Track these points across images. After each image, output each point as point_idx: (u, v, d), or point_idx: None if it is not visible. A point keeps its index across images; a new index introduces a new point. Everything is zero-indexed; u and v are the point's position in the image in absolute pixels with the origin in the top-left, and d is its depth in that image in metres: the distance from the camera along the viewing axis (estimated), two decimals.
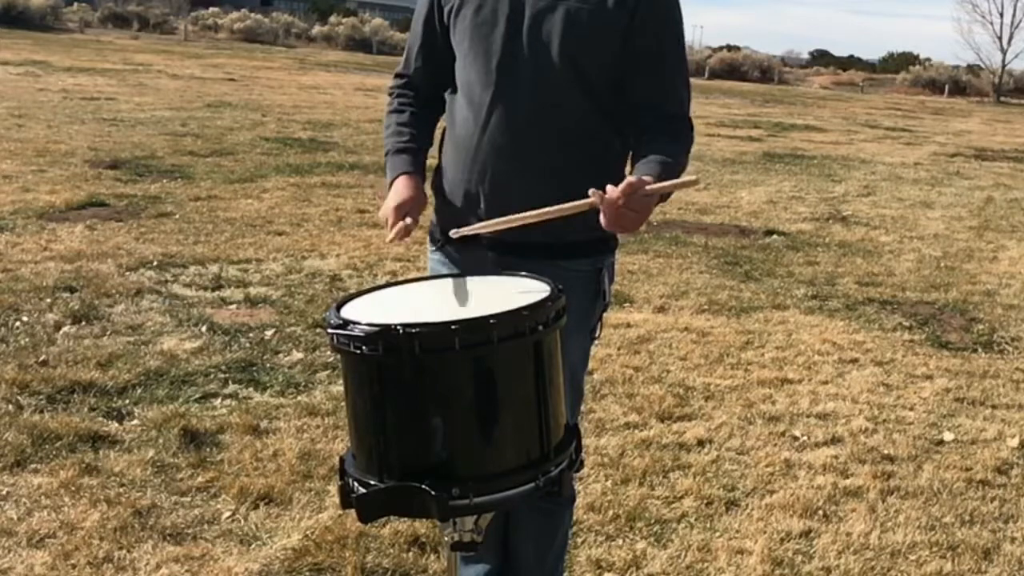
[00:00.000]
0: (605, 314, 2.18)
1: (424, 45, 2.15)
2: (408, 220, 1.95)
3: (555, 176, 2.00)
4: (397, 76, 2.23)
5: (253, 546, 2.78)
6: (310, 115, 14.10)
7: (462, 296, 1.76)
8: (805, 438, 3.80)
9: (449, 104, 2.13)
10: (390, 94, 2.23)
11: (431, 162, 2.15)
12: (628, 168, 2.03)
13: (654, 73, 2.00)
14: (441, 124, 2.19)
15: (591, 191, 1.71)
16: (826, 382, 4.45)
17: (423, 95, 2.18)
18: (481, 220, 2.02)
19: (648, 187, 1.73)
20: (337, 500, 1.61)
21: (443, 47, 2.10)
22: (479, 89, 2.01)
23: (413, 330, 1.46)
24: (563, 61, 1.96)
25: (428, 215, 2.24)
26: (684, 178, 1.81)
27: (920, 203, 10.00)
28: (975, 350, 5.11)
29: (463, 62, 2.05)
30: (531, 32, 1.97)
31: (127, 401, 3.69)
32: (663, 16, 2.00)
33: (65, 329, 4.40)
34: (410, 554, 2.77)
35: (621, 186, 1.71)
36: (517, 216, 1.81)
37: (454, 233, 1.92)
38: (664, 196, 1.84)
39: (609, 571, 2.80)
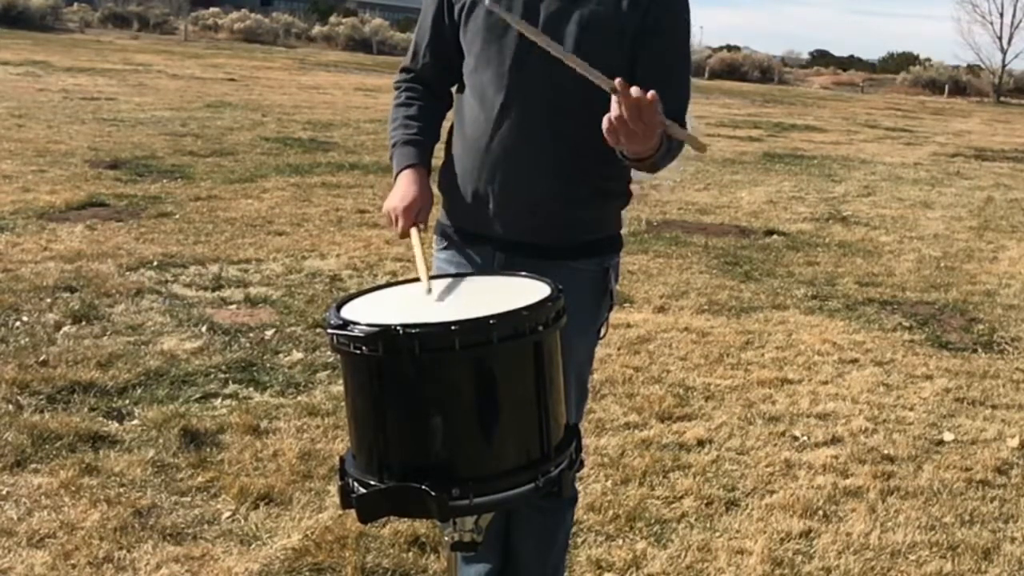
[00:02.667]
0: (610, 315, 2.18)
1: (432, 42, 2.15)
2: (422, 225, 1.97)
3: (565, 177, 2.00)
4: (403, 71, 2.22)
5: (253, 546, 2.78)
6: (310, 115, 14.10)
7: (462, 296, 1.76)
8: (805, 438, 3.80)
9: (458, 103, 2.13)
10: (397, 88, 2.22)
11: (436, 162, 2.15)
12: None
13: (663, 75, 2.00)
14: (447, 122, 2.19)
15: (617, 80, 1.62)
16: (826, 382, 4.45)
17: (430, 90, 2.18)
18: (490, 220, 2.03)
19: (665, 120, 1.66)
20: (337, 500, 1.61)
21: (451, 44, 2.11)
22: (492, 90, 2.01)
23: (413, 330, 1.46)
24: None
25: (433, 215, 2.24)
26: (696, 137, 1.74)
27: (920, 203, 10.00)
28: (975, 350, 5.11)
29: (475, 62, 2.05)
30: (545, 34, 1.97)
31: (127, 401, 3.69)
32: (675, 20, 2.01)
33: (65, 329, 4.40)
34: (410, 554, 2.77)
35: (649, 93, 1.62)
36: (550, 42, 1.67)
37: (489, 4, 1.81)
38: (664, 156, 1.81)
39: (609, 571, 2.80)
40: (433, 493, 1.47)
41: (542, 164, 2.00)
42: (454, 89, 2.17)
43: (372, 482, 1.54)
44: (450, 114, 2.21)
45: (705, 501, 3.22)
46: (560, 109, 1.99)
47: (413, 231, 1.96)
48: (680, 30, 2.03)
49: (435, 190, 2.12)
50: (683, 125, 2.04)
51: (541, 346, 1.56)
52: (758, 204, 9.22)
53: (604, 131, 1.69)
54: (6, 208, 6.65)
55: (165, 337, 4.40)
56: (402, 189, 2.03)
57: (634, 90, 1.62)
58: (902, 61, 48.66)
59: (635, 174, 2.06)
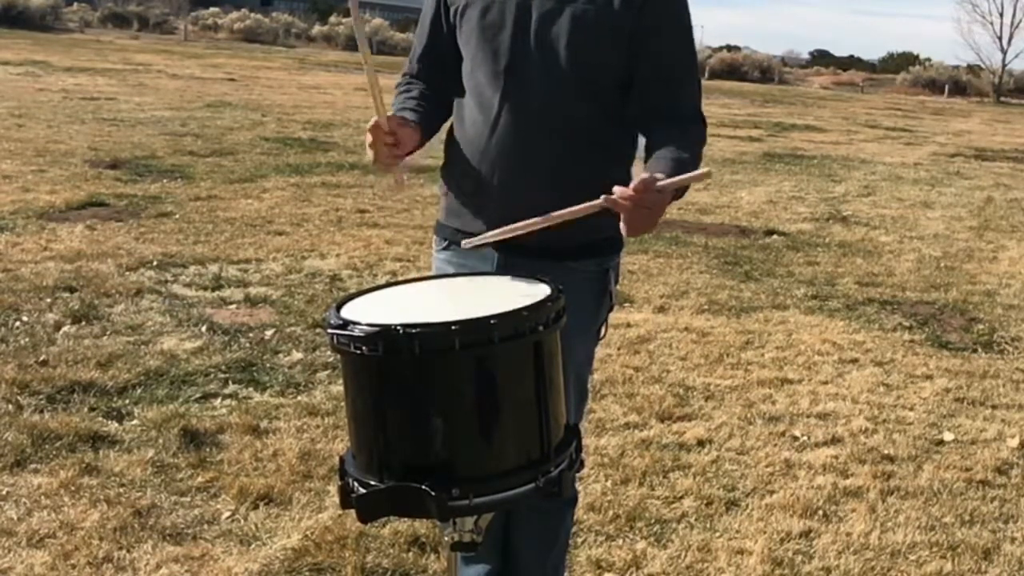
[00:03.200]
0: (610, 315, 2.18)
1: (431, 46, 2.15)
2: (404, 157, 1.93)
3: (564, 176, 2.00)
4: (404, 75, 2.23)
5: (253, 546, 2.78)
6: (310, 115, 14.10)
7: (462, 296, 1.76)
8: (805, 438, 3.80)
9: (457, 105, 2.13)
10: (398, 85, 2.21)
11: (435, 162, 2.15)
12: (638, 168, 2.03)
13: (663, 72, 2.00)
14: (446, 123, 2.19)
15: (603, 197, 1.71)
16: (826, 382, 4.45)
17: (432, 89, 2.18)
18: (491, 220, 2.03)
19: (660, 183, 1.71)
20: (337, 500, 1.61)
21: (449, 47, 2.10)
22: (488, 91, 2.01)
23: (413, 330, 1.46)
24: (571, 62, 1.96)
25: (432, 215, 2.24)
26: (697, 171, 1.78)
27: (920, 203, 10.00)
28: (975, 350, 5.11)
29: (471, 63, 2.05)
30: (538, 33, 1.97)
31: (127, 401, 3.69)
32: (671, 15, 2.00)
33: (65, 329, 4.40)
34: (410, 554, 2.77)
35: (633, 185, 1.69)
36: (527, 222, 1.81)
37: (466, 244, 1.92)
38: (680, 193, 1.82)
39: (609, 571, 2.80)
40: (433, 493, 1.47)
41: (541, 164, 2.00)
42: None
43: (372, 482, 1.54)
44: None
45: (705, 501, 3.22)
46: (558, 108, 1.98)
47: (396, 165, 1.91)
48: (678, 27, 2.02)
49: (436, 190, 2.12)
50: (695, 121, 2.03)
51: (541, 346, 1.56)
52: (758, 204, 9.22)
53: (626, 234, 1.77)
54: (6, 208, 6.64)
55: (165, 337, 4.40)
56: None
57: (620, 192, 1.70)
58: (902, 61, 48.70)
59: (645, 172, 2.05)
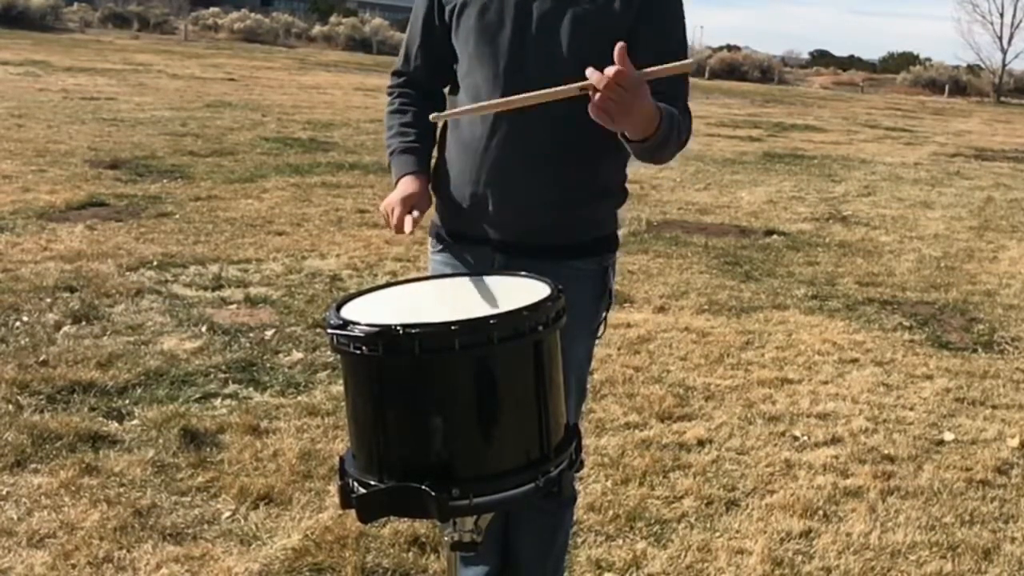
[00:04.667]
0: (608, 313, 2.18)
1: (423, 44, 2.15)
2: (415, 213, 1.95)
3: (563, 177, 2.00)
4: (395, 74, 2.22)
5: (253, 546, 2.78)
6: (310, 115, 14.10)
7: (462, 296, 1.76)
8: (805, 438, 3.80)
9: (451, 104, 2.13)
10: (390, 94, 2.22)
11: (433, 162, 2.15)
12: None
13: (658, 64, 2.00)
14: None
15: (579, 83, 1.64)
16: (826, 382, 4.45)
17: (423, 92, 2.18)
18: (489, 221, 2.03)
19: (644, 71, 1.65)
20: (337, 500, 1.61)
21: (442, 46, 2.10)
22: (486, 92, 2.00)
23: (413, 330, 1.46)
24: (571, 63, 1.95)
25: (429, 214, 2.24)
26: (675, 64, 1.72)
27: (920, 203, 10.00)
28: (975, 350, 5.11)
29: (468, 64, 2.04)
30: (538, 34, 1.96)
31: (127, 401, 3.69)
32: (668, 14, 2.00)
33: (65, 329, 4.40)
34: (410, 554, 2.77)
35: (617, 63, 1.62)
36: (504, 100, 1.78)
37: (433, 117, 1.83)
38: (659, 134, 1.78)
39: (609, 571, 2.80)
40: (433, 493, 1.47)
41: (539, 165, 1.99)
42: (447, 91, 2.17)
43: (372, 482, 1.54)
44: None
45: (705, 501, 3.22)
46: (556, 109, 1.98)
47: (408, 218, 1.94)
48: (673, 20, 2.02)
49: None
50: (685, 113, 2.02)
51: (541, 346, 1.56)
52: (758, 204, 9.22)
53: (595, 118, 1.67)
54: (6, 208, 6.65)
55: (165, 337, 4.40)
56: (400, 189, 2.03)
57: (606, 71, 1.61)
58: (902, 61, 48.66)
59: (641, 167, 2.05)
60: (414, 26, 2.16)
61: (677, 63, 1.71)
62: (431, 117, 1.83)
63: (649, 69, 1.65)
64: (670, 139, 1.84)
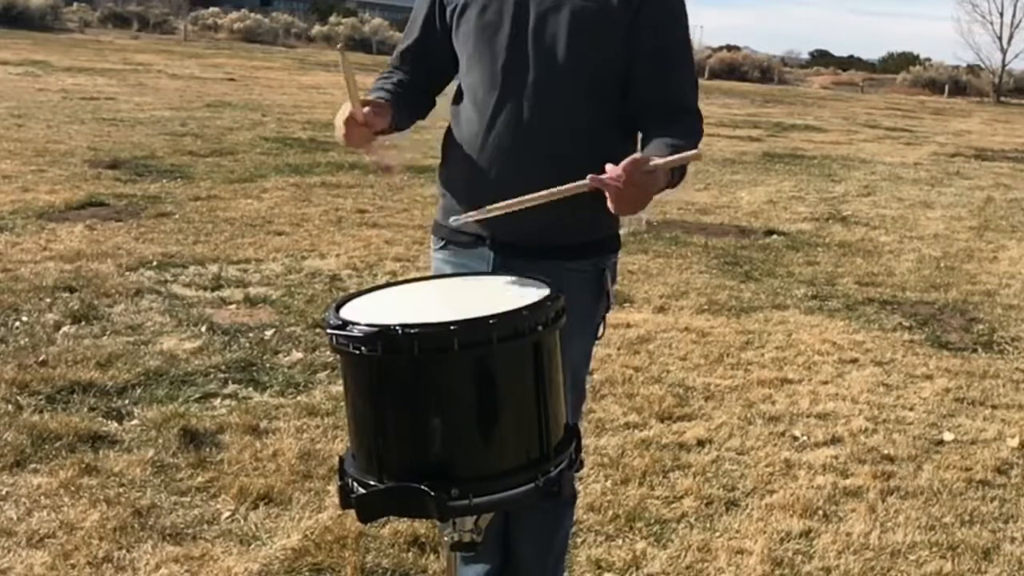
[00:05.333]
0: (607, 314, 2.18)
1: (420, 43, 2.15)
2: (366, 109, 1.92)
3: (561, 176, 1.99)
4: (387, 67, 2.23)
5: (253, 546, 2.78)
6: (310, 115, 14.10)
7: (462, 296, 1.76)
8: (805, 438, 3.80)
9: (453, 115, 2.12)
10: (379, 76, 2.21)
11: (435, 162, 2.14)
12: None
13: (661, 70, 2.00)
14: (444, 123, 2.18)
15: (589, 176, 1.70)
16: (826, 382, 4.45)
17: (413, 83, 2.17)
18: (488, 220, 2.02)
19: (651, 163, 1.71)
20: (337, 500, 1.61)
21: (440, 46, 2.10)
22: (484, 90, 2.00)
23: (412, 330, 1.46)
24: (569, 61, 1.95)
25: (431, 215, 2.24)
26: (686, 153, 1.78)
27: (920, 203, 10.00)
28: (975, 350, 5.11)
29: (468, 64, 2.04)
30: (536, 32, 1.96)
31: (127, 401, 3.69)
32: (667, 12, 2.00)
33: (65, 329, 4.40)
34: (410, 554, 2.77)
35: (623, 163, 1.69)
36: (515, 200, 1.79)
37: (453, 220, 1.90)
38: (676, 178, 1.84)
39: (609, 571, 2.80)
40: (432, 493, 1.47)
41: (537, 164, 1.99)
42: (450, 102, 2.16)
43: (372, 482, 1.54)
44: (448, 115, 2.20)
45: (705, 501, 3.22)
46: (555, 107, 1.98)
47: (341, 55, 1.91)
48: (675, 22, 2.02)
49: (434, 190, 2.12)
50: (693, 117, 2.03)
51: (541, 346, 1.56)
52: (758, 204, 9.21)
53: (614, 211, 1.75)
54: (6, 208, 6.64)
55: (165, 337, 4.40)
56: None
57: (611, 171, 1.69)
58: (902, 61, 48.67)
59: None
60: (412, 25, 2.17)
61: (687, 153, 1.77)
62: (451, 221, 1.91)
63: (658, 161, 1.72)
64: (678, 178, 1.87)
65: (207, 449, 3.33)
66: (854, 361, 4.78)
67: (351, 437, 1.63)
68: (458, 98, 2.11)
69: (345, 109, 1.92)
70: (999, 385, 4.57)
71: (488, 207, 1.83)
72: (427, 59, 2.14)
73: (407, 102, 2.10)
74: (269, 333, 4.55)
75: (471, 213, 1.88)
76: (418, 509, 1.51)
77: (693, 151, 1.78)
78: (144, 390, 3.80)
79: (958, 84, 41.15)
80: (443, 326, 1.48)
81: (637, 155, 1.73)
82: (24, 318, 4.51)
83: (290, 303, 5.04)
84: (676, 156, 1.76)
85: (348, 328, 1.50)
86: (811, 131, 18.03)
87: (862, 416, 4.05)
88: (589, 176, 1.70)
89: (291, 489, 3.10)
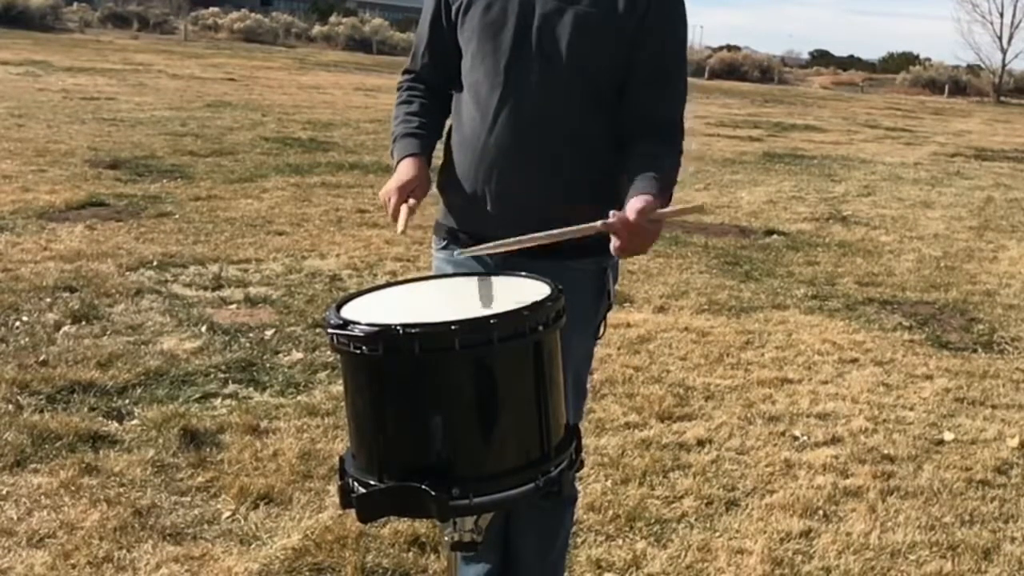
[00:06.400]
0: (608, 314, 2.18)
1: (431, 43, 2.16)
2: (412, 201, 1.95)
3: (560, 176, 2.00)
4: (405, 72, 2.24)
5: (253, 546, 2.78)
6: (310, 115, 14.10)
7: (462, 296, 1.76)
8: (805, 438, 3.80)
9: (455, 103, 2.13)
10: (399, 88, 2.23)
11: (436, 161, 2.15)
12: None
13: (657, 79, 2.01)
14: (448, 122, 2.19)
15: (600, 222, 1.77)
16: (826, 382, 4.45)
17: (431, 89, 2.18)
18: (487, 220, 2.03)
19: (658, 212, 1.79)
20: (337, 500, 1.61)
21: (450, 45, 2.11)
22: (486, 89, 2.01)
23: (413, 330, 1.46)
24: (571, 63, 1.96)
25: (431, 214, 2.24)
26: (688, 206, 1.89)
27: (920, 203, 10.00)
28: (975, 350, 5.11)
29: (471, 61, 2.05)
30: (540, 33, 1.97)
31: (127, 401, 3.69)
32: (671, 24, 2.01)
33: (65, 329, 4.40)
34: (410, 554, 2.77)
35: (631, 213, 1.76)
36: (520, 239, 1.83)
37: (459, 255, 1.94)
38: (664, 204, 1.89)
39: (609, 571, 2.80)
40: (433, 493, 1.47)
41: (539, 163, 2.00)
42: (453, 90, 2.17)
43: (372, 482, 1.54)
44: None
45: (705, 501, 3.22)
46: (556, 107, 1.98)
47: (403, 207, 1.94)
48: (676, 32, 2.03)
49: (434, 190, 2.12)
50: (677, 129, 2.05)
51: (541, 346, 1.56)
52: (758, 204, 9.22)
53: (616, 255, 1.85)
54: (6, 208, 6.64)
55: (165, 337, 4.40)
56: (399, 173, 2.02)
57: (622, 216, 1.76)
58: (902, 61, 48.66)
59: None
60: (423, 26, 2.18)
61: (690, 206, 1.90)
62: (456, 254, 1.97)
63: (664, 211, 1.82)
64: (668, 199, 1.93)
65: (207, 449, 3.33)
66: (854, 361, 4.78)
67: (351, 437, 1.63)
68: (459, 88, 2.11)
69: (393, 197, 1.97)
70: (999, 385, 4.57)
71: (495, 243, 1.85)
72: (441, 60, 2.14)
73: (433, 129, 2.15)
74: (269, 333, 4.56)
75: (478, 247, 1.89)
76: (418, 509, 1.51)
77: (695, 204, 1.90)
78: (144, 390, 3.80)
79: (958, 84, 41.15)
80: (444, 326, 1.48)
81: (640, 203, 1.78)
82: (24, 318, 4.51)
83: (290, 303, 5.04)
84: (680, 208, 1.88)
85: (349, 328, 1.50)
86: (811, 131, 18.03)
87: (862, 416, 4.05)
88: (601, 221, 1.76)
89: (291, 489, 3.10)
